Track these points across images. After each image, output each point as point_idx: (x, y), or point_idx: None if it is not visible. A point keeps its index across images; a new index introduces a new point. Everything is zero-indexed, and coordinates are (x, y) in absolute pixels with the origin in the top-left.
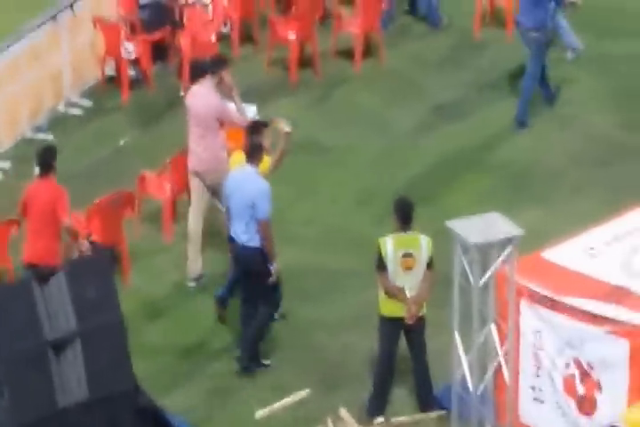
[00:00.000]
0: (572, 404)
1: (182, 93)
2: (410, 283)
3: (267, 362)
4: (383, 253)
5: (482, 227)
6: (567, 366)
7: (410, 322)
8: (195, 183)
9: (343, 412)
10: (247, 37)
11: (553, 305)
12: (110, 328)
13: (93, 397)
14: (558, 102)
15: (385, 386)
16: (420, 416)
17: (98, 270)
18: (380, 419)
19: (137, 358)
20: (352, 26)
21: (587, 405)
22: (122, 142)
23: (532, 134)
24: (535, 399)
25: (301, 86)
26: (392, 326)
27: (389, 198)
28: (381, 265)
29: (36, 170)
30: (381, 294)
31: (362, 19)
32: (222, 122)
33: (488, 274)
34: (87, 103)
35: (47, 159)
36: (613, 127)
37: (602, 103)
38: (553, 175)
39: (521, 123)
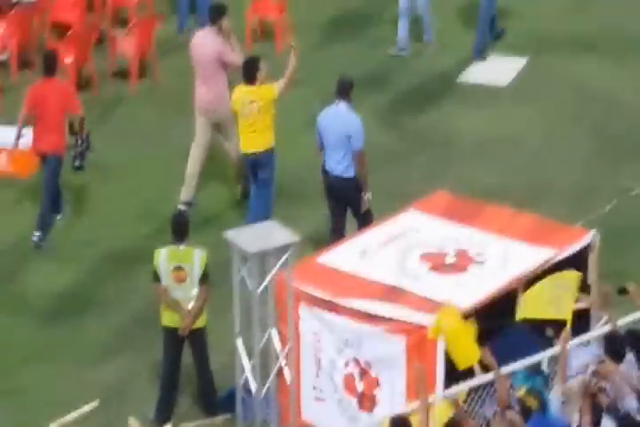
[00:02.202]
0: (353, 401)
1: None
2: (183, 295)
3: None
4: (156, 265)
5: (259, 235)
6: (346, 365)
7: (183, 334)
8: (200, 121)
9: (132, 421)
10: (25, 63)
11: (331, 307)
12: None
13: None
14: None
15: (170, 393)
16: (206, 421)
17: None
18: (168, 425)
19: None
20: (127, 47)
21: (367, 401)
22: None
23: (307, 143)
24: (317, 399)
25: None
26: (172, 336)
27: (170, 212)
28: (156, 277)
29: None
30: (161, 305)
31: (136, 40)
32: (224, 64)
33: (267, 280)
34: None
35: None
36: (382, 134)
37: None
38: None
39: (479, 52)
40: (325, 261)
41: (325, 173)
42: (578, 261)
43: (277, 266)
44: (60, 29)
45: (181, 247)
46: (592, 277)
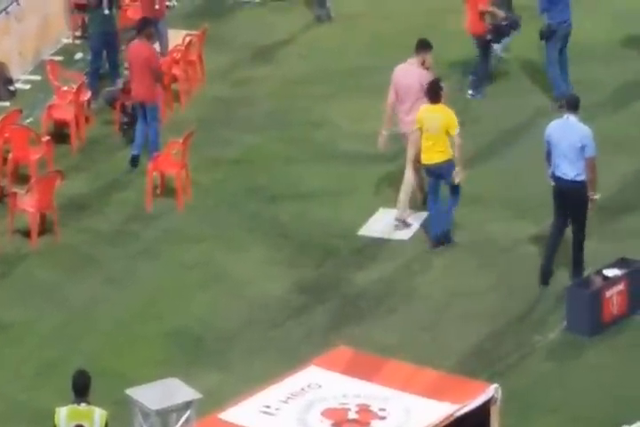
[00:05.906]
0: None
1: None
2: None
3: None
4: (56, 424)
5: (161, 393)
6: None
7: None
8: (411, 139)
9: None
10: None
11: None
12: None
13: None
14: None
15: None
16: None
17: None
18: None
19: None
20: (27, 204)
21: None
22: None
23: (205, 302)
24: None
25: None
26: None
27: (70, 371)
28: None
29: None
30: None
31: (37, 197)
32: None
33: None
34: None
35: None
36: (284, 291)
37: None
38: (227, 339)
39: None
40: (227, 417)
41: (557, 178)
42: (480, 414)
43: (179, 423)
44: None
45: (82, 406)
46: None
